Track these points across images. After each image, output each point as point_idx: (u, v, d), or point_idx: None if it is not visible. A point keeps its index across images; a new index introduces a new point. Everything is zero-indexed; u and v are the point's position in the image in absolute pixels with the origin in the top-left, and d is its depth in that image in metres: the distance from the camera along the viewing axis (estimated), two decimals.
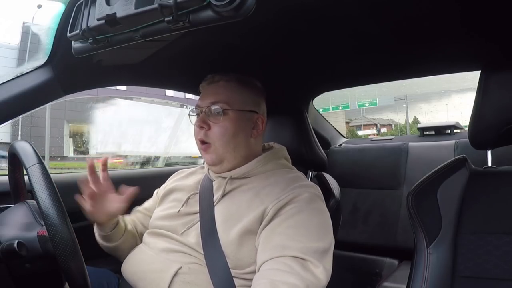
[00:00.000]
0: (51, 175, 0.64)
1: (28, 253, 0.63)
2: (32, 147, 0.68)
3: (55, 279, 0.70)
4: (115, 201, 0.86)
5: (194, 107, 0.90)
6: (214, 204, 0.83)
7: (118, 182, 0.90)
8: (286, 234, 0.72)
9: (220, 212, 0.81)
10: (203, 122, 0.84)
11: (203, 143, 0.85)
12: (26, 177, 0.72)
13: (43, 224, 0.61)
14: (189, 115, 0.91)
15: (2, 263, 0.62)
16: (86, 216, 0.86)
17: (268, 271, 0.68)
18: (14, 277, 0.64)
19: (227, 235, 0.76)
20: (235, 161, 0.86)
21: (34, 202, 0.74)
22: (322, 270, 0.69)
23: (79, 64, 0.86)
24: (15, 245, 0.61)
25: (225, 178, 0.85)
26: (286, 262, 0.67)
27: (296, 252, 0.68)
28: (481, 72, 0.81)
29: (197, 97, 1.42)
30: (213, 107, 0.84)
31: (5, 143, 7.43)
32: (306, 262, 0.68)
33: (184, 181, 0.96)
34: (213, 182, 0.88)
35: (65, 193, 0.77)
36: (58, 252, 0.59)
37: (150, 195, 1.05)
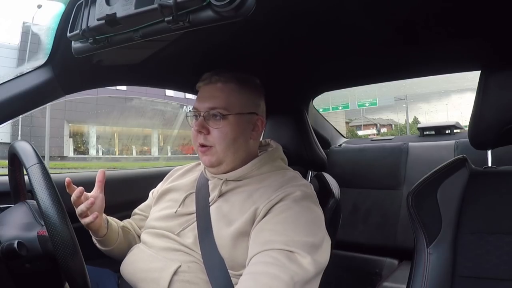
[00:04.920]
0: (51, 175, 0.64)
1: (28, 253, 0.64)
2: (32, 147, 0.68)
3: (55, 279, 0.70)
4: (94, 201, 0.82)
5: (191, 109, 0.88)
6: (210, 204, 0.83)
7: (117, 182, 0.90)
8: (274, 230, 0.71)
9: (214, 212, 0.81)
10: (202, 127, 0.83)
11: (203, 146, 0.84)
12: (26, 177, 0.72)
13: (43, 224, 0.61)
14: (186, 116, 0.90)
15: (2, 263, 0.62)
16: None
17: (252, 265, 0.68)
18: (14, 277, 0.64)
19: (220, 235, 0.77)
20: (233, 163, 0.86)
21: (34, 202, 0.74)
22: (310, 261, 0.67)
23: (79, 64, 0.86)
24: (15, 245, 0.62)
25: (221, 179, 0.85)
26: (272, 254, 0.67)
27: (282, 245, 0.68)
28: (481, 72, 0.81)
29: None
30: (212, 112, 0.82)
31: (5, 143, 7.44)
32: (293, 254, 0.67)
33: (181, 180, 0.96)
34: (209, 182, 0.88)
35: (65, 193, 0.77)
36: (58, 252, 0.59)
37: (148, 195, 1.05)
